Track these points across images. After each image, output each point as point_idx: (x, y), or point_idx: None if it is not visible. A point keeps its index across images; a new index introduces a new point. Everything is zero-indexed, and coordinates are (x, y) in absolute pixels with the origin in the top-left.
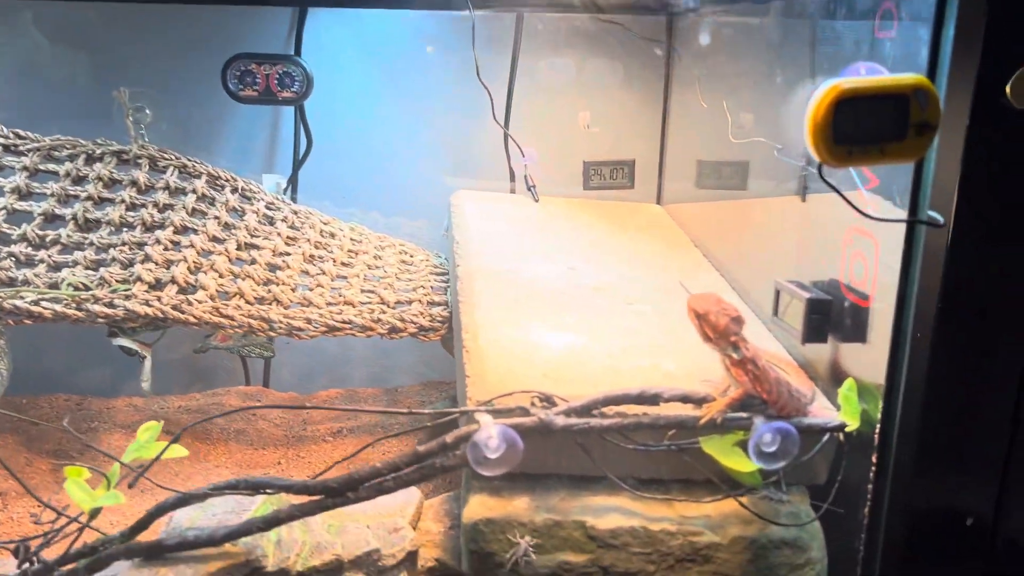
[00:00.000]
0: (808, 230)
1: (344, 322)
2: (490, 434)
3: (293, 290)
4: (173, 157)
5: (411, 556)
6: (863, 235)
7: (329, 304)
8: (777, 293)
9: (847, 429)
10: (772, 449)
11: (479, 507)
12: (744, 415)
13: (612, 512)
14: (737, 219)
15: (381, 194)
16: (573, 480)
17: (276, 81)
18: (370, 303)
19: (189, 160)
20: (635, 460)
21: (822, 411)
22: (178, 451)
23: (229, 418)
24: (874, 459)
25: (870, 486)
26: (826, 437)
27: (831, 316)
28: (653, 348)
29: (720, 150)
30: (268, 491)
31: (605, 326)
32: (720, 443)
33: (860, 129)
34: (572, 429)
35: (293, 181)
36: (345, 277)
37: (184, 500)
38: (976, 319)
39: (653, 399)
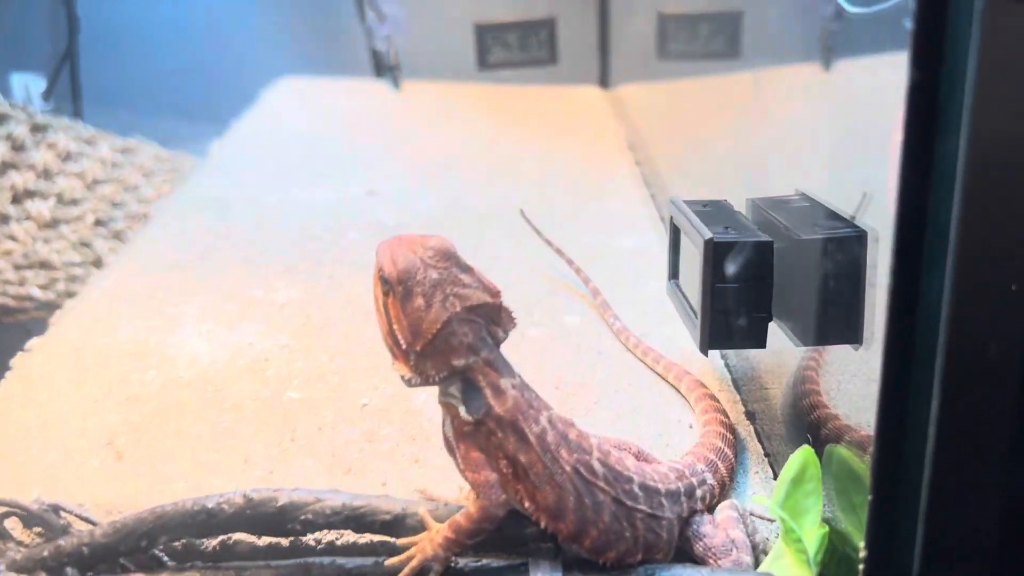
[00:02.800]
0: (833, 118)
1: (23, 299)
2: None
3: None
4: None
5: None
6: None
7: (19, 268)
8: (673, 231)
9: None
10: None
11: None
12: (505, 561)
13: None
14: (718, 105)
15: (209, 96)
16: None
17: None
18: (81, 263)
19: None
20: None
21: (721, 535)
22: None
23: None
24: None
25: None
26: None
27: (767, 282)
28: None
29: None
30: None
31: (348, 306)
32: None
33: None
34: None
35: (74, 84)
36: (59, 224)
37: None
38: None
39: (278, 522)
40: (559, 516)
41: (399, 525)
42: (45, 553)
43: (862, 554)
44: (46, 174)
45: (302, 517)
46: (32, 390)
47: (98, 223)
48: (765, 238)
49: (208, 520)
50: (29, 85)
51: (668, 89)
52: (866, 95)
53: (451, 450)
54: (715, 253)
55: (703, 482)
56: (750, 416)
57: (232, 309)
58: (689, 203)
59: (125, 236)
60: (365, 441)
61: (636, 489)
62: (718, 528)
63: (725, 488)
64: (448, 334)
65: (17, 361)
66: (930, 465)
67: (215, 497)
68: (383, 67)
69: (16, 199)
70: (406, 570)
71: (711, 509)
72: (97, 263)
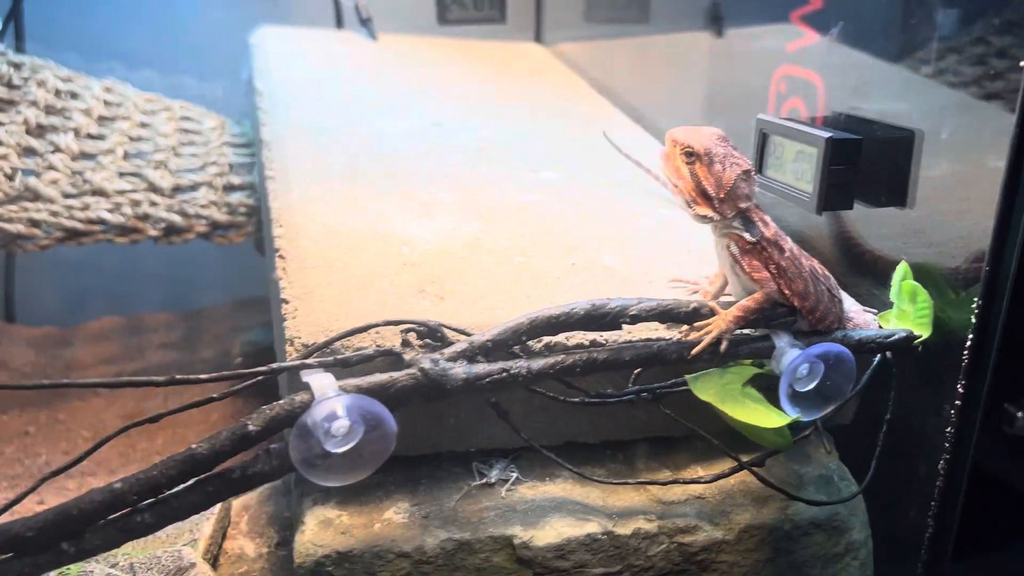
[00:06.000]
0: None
1: (92, 222)
2: (332, 412)
3: (9, 178)
4: None
5: None
6: (801, 75)
7: (69, 197)
8: (762, 137)
9: (918, 341)
10: (809, 386)
11: (321, 531)
12: (756, 333)
13: (551, 513)
14: (644, 60)
15: (154, 44)
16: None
17: None
18: (133, 191)
19: None
20: (581, 419)
21: (862, 317)
22: None
23: None
24: (960, 386)
25: (950, 428)
26: (879, 357)
27: (861, 168)
28: (580, 235)
29: None
30: None
31: (501, 205)
32: (721, 384)
33: None
34: (480, 384)
35: (16, 23)
36: (93, 156)
37: None
38: None
39: (613, 319)
40: (804, 297)
41: (696, 314)
42: (463, 348)
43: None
44: (49, 110)
45: (631, 313)
46: (324, 265)
47: (127, 156)
48: (856, 137)
49: (566, 320)
50: None
51: (598, 45)
52: (748, 57)
53: (732, 263)
54: (831, 147)
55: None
56: None
57: (416, 207)
58: (780, 119)
59: (167, 165)
60: (595, 280)
61: (833, 285)
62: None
63: None
64: (736, 187)
65: (284, 245)
66: None
67: (570, 304)
68: (355, 21)
69: (30, 132)
70: (707, 339)
71: None
72: (156, 189)
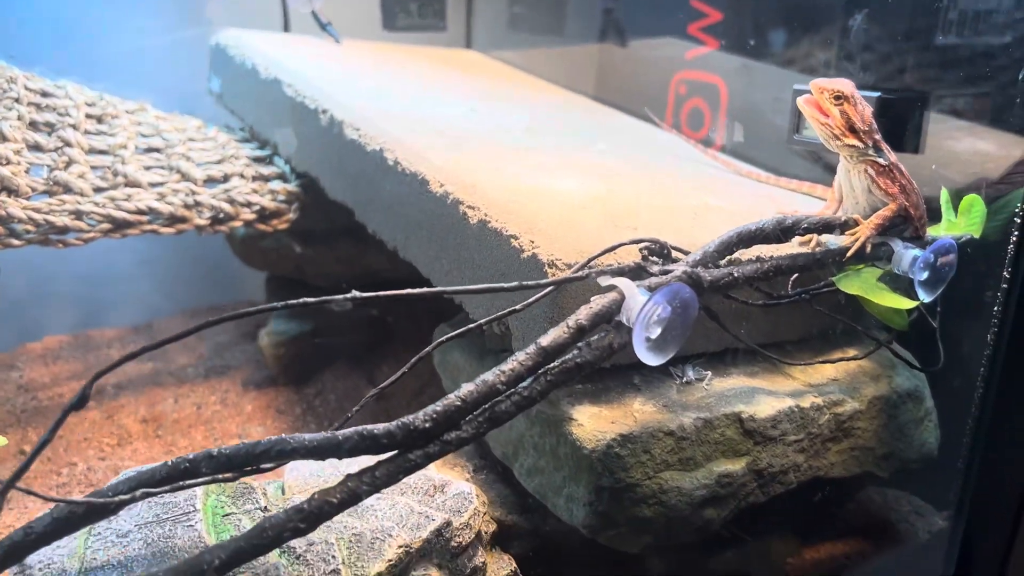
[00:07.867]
0: (634, 76)
1: (141, 212)
2: (651, 300)
3: (27, 171)
4: None
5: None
6: (704, 80)
7: (102, 189)
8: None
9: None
10: (926, 276)
11: (596, 422)
12: (878, 241)
13: (756, 396)
14: (583, 61)
15: (75, 50)
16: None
17: None
18: (166, 183)
19: None
20: (756, 324)
21: None
22: None
23: None
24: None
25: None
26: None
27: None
28: (676, 186)
29: None
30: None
31: (599, 168)
32: (862, 280)
33: None
34: (717, 284)
35: None
36: (105, 151)
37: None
38: None
39: (791, 231)
40: (917, 207)
41: (846, 225)
42: (699, 257)
43: None
44: (37, 106)
45: (803, 226)
46: (520, 211)
47: (144, 150)
48: (893, 97)
49: (760, 233)
50: None
51: (540, 52)
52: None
53: (870, 183)
54: (880, 107)
55: None
56: None
57: (538, 169)
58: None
59: (190, 157)
60: (720, 215)
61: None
62: None
63: None
64: (871, 121)
65: (469, 199)
66: None
67: (761, 221)
68: (313, 26)
69: (30, 128)
70: (858, 243)
71: None
72: (191, 180)
